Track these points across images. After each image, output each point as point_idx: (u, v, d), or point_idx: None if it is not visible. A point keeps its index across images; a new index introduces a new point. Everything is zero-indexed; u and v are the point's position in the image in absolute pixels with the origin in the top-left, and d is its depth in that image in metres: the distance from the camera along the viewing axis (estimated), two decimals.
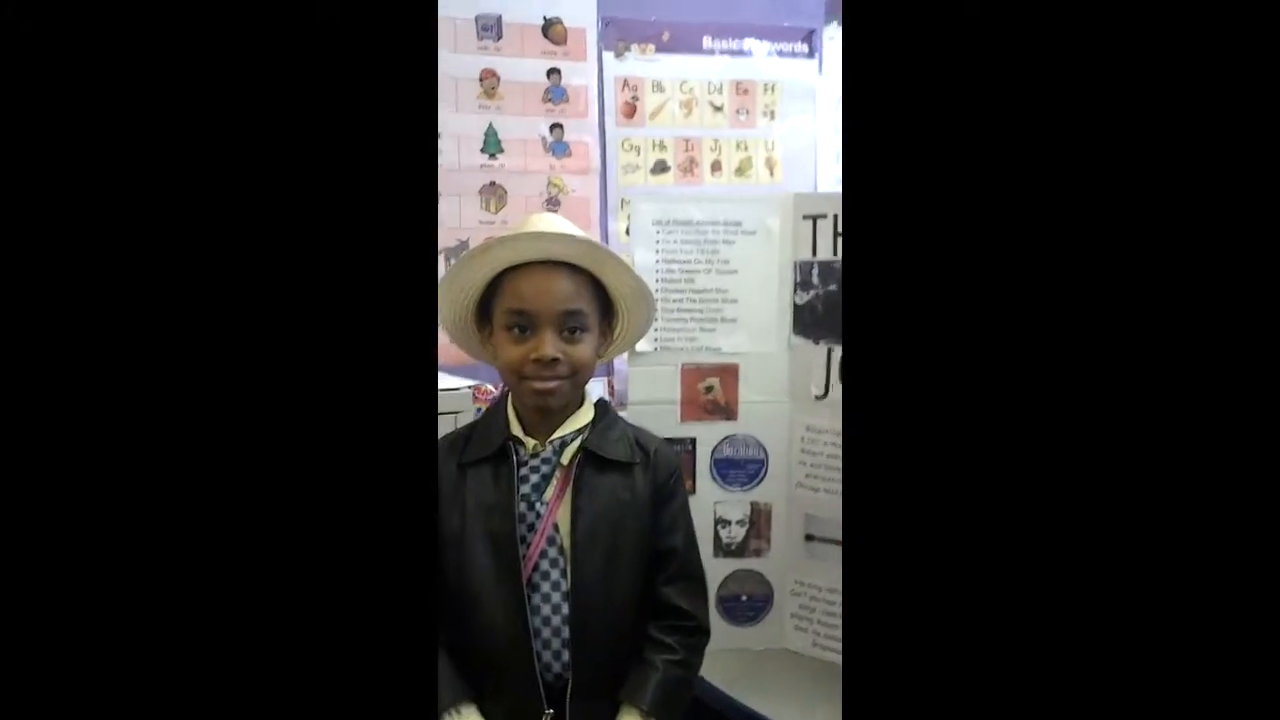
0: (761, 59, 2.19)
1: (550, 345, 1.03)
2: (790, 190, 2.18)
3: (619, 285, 1.11)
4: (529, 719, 1.06)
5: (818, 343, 1.41)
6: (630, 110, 2.13)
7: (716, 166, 2.20)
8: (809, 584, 1.45)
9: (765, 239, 1.43)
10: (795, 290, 1.42)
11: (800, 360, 1.43)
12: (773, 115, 2.22)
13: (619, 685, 1.10)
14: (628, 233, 2.15)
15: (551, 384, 1.05)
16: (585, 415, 1.13)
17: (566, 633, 1.06)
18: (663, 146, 2.16)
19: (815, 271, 1.40)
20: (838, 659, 1.41)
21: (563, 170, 2.09)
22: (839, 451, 1.39)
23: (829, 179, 2.25)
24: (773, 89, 2.20)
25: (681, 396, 1.45)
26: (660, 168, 2.16)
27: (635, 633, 1.13)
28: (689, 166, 2.18)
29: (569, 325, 1.05)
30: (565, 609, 1.06)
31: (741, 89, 2.19)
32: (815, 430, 1.42)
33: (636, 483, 1.11)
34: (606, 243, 2.13)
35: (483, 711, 1.07)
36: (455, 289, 1.08)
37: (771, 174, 2.23)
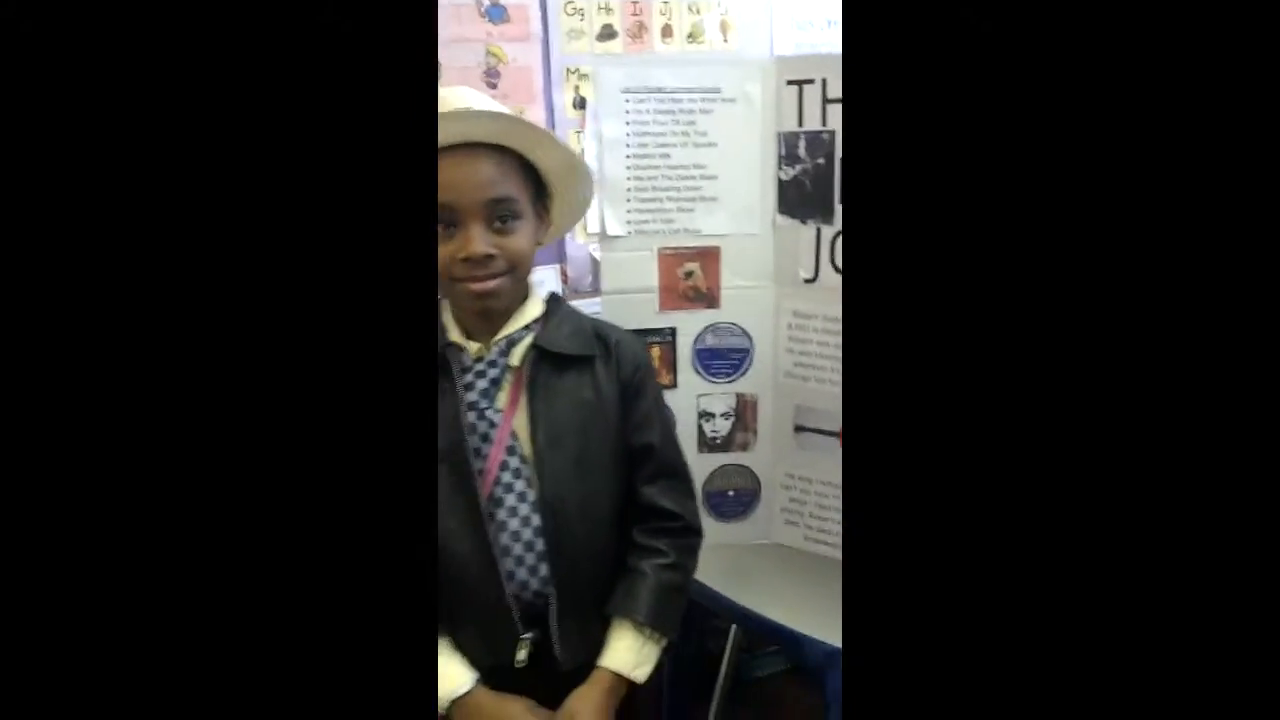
0: None
1: (480, 240, 0.91)
2: (746, 55, 2.06)
3: (549, 162, 0.98)
4: (505, 644, 0.98)
5: (805, 222, 1.30)
6: None
7: (667, 31, 2.03)
8: (799, 476, 1.39)
9: (746, 107, 1.30)
10: (780, 165, 1.31)
11: (786, 241, 1.32)
12: None
13: (606, 598, 1.02)
14: (575, 105, 1.99)
15: (489, 283, 0.93)
16: (533, 309, 1.01)
17: (540, 546, 0.97)
18: (609, 10, 1.98)
19: (802, 143, 1.28)
20: (831, 552, 1.36)
21: (500, 38, 1.90)
22: (829, 338, 1.31)
23: (786, 44, 2.11)
24: None
25: (659, 283, 1.33)
26: (607, 33, 1.99)
27: (619, 540, 1.05)
28: (637, 31, 2.01)
29: (499, 214, 0.92)
30: (536, 520, 0.96)
31: None
32: (803, 316, 1.33)
33: (599, 378, 1.01)
34: (552, 117, 1.97)
35: (455, 642, 0.99)
36: None
37: (725, 39, 2.07)
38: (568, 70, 1.97)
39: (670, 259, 1.33)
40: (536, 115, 1.94)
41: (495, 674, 0.98)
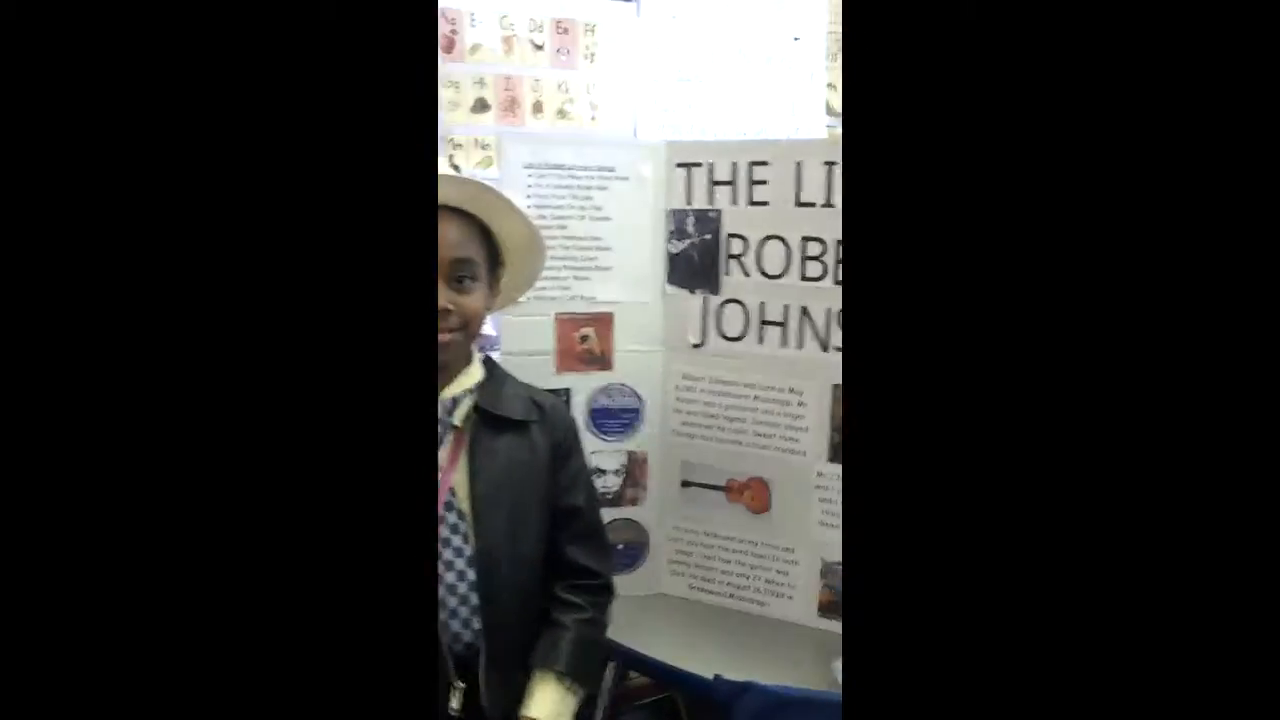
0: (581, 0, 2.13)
1: (441, 296, 0.97)
2: (611, 133, 2.18)
3: (510, 232, 1.05)
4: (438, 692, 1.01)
5: (694, 291, 1.41)
6: (449, 45, 2.01)
7: (538, 107, 2.13)
8: (685, 529, 1.48)
9: (638, 185, 1.40)
10: (669, 239, 1.41)
11: (675, 309, 1.43)
12: (592, 58, 2.17)
13: (529, 650, 1.07)
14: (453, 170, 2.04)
15: (444, 336, 0.98)
16: (475, 372, 1.07)
17: (474, 600, 1.01)
18: (483, 84, 2.06)
19: (690, 220, 1.39)
20: (716, 599, 1.45)
21: None
22: (715, 399, 1.42)
23: (648, 125, 2.25)
24: (593, 30, 2.15)
25: (556, 346, 1.40)
26: (481, 106, 2.06)
27: (541, 595, 1.10)
28: (510, 105, 2.10)
29: (459, 274, 0.99)
30: (470, 575, 1.01)
31: (562, 28, 2.12)
32: (691, 378, 1.44)
33: (535, 441, 1.08)
34: None
35: None
36: None
37: (593, 117, 2.19)
38: (445, 139, 2.02)
39: (567, 323, 1.40)
40: None
41: None
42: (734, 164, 1.35)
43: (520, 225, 1.03)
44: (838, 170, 1.27)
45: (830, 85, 2.54)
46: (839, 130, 2.46)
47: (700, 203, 1.39)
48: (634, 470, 1.47)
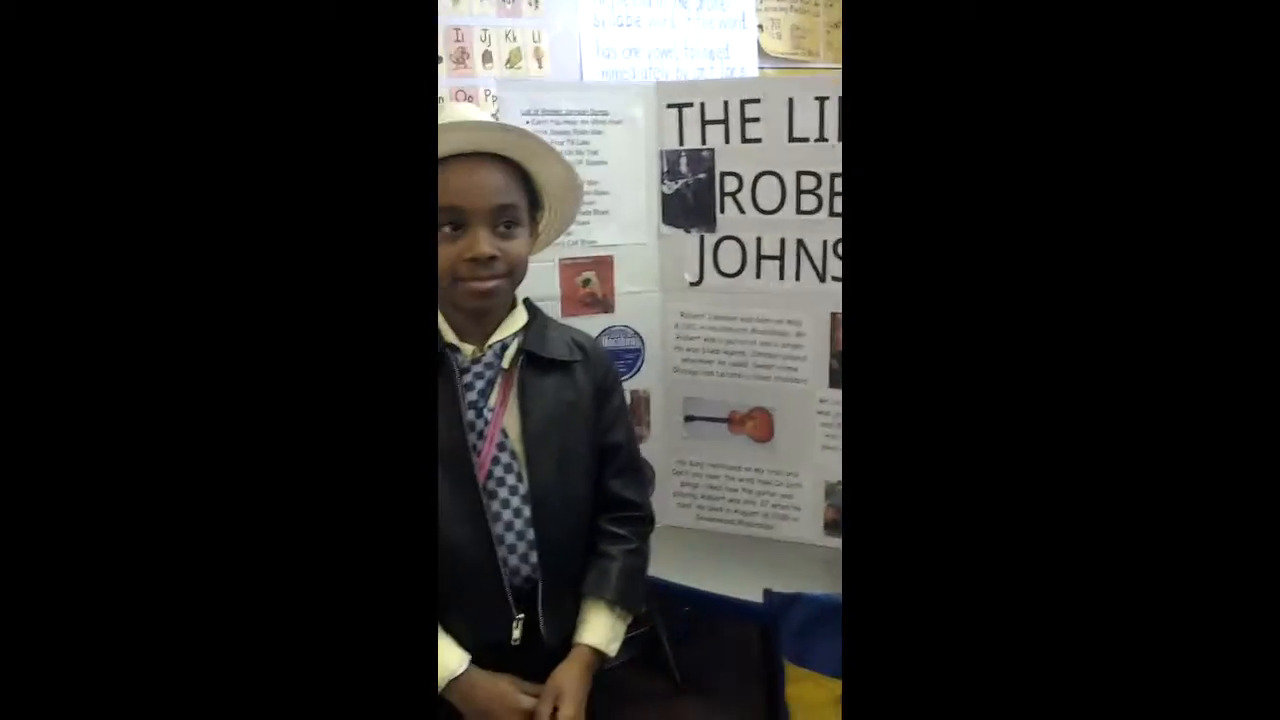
0: None
1: (486, 242, 0.98)
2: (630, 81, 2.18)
3: (549, 176, 1.07)
4: (497, 624, 1.04)
5: (689, 231, 1.45)
6: None
7: (487, 57, 2.11)
8: (690, 462, 1.53)
9: (631, 128, 1.42)
10: (662, 180, 1.44)
11: (671, 249, 1.46)
12: (537, 5, 2.16)
13: (580, 580, 1.11)
14: None
15: (490, 283, 1.00)
16: (520, 317, 1.09)
17: (531, 535, 1.04)
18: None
19: (683, 160, 1.42)
20: (724, 527, 1.51)
21: None
22: (714, 334, 1.47)
23: (593, 70, 2.25)
24: None
25: (561, 292, 1.42)
26: None
27: (589, 528, 1.14)
28: (460, 57, 2.07)
29: (504, 220, 1.00)
30: (526, 512, 1.04)
31: None
32: (690, 315, 1.48)
33: (578, 381, 1.11)
34: None
35: (446, 626, 1.03)
36: None
37: (540, 65, 2.18)
38: None
39: (570, 268, 1.42)
40: None
41: (488, 653, 1.03)
42: (725, 103, 1.38)
43: (559, 168, 1.05)
44: (830, 105, 1.32)
45: (760, 27, 2.59)
46: (771, 72, 2.52)
47: (693, 143, 1.41)
48: (637, 409, 1.50)
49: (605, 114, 1.40)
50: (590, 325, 1.44)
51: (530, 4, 2.17)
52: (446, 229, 0.96)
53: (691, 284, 1.46)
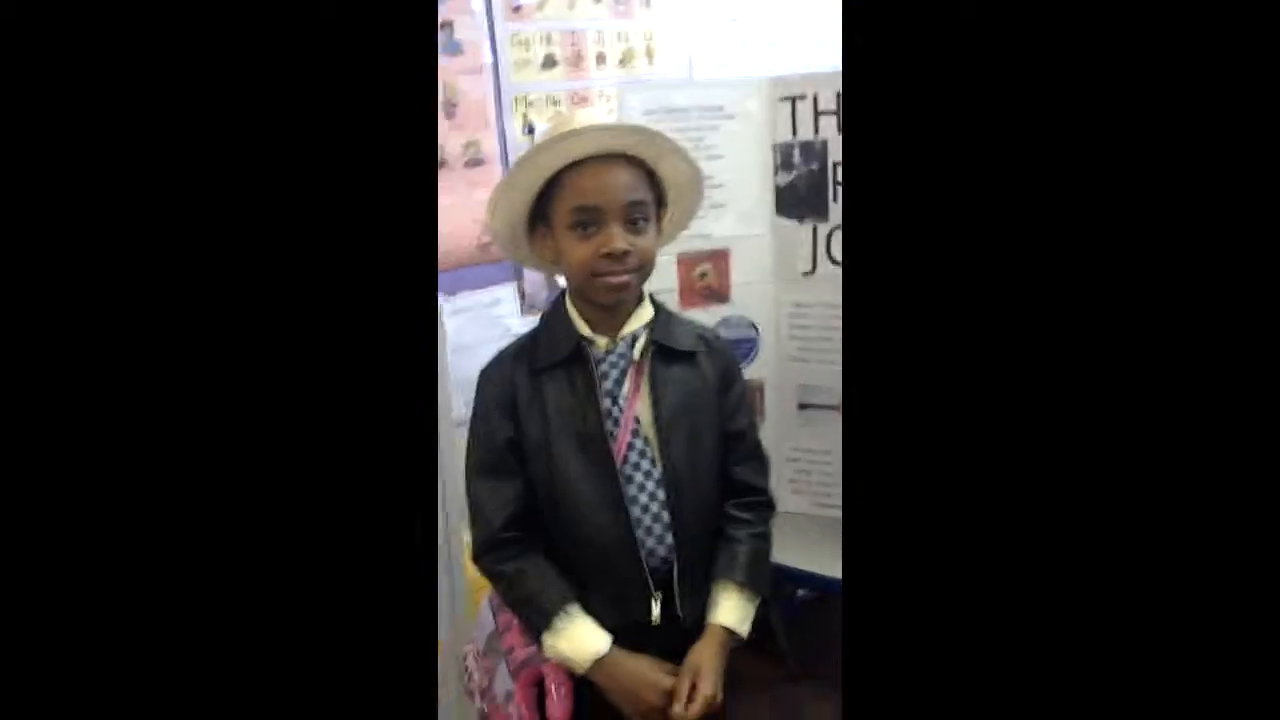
0: None
1: (620, 238, 1.02)
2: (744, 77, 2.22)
3: (674, 173, 1.11)
4: (636, 604, 1.09)
5: (802, 221, 1.47)
6: (517, 6, 2.04)
7: (601, 59, 2.17)
8: (804, 449, 1.56)
9: (745, 122, 1.46)
10: (776, 172, 1.47)
11: (785, 240, 1.49)
12: (649, 4, 2.21)
13: (710, 562, 1.15)
14: (525, 131, 2.09)
15: (624, 277, 1.05)
16: (648, 310, 1.14)
17: (666, 518, 1.08)
18: (550, 40, 2.10)
19: (796, 152, 1.45)
20: (835, 513, 1.53)
21: (454, 71, 1.98)
22: (828, 324, 1.49)
23: (703, 67, 2.30)
24: None
25: (679, 285, 1.47)
26: (549, 62, 2.10)
27: (717, 512, 1.18)
28: (576, 60, 2.14)
29: (633, 216, 1.05)
30: (661, 495, 1.08)
31: None
32: (803, 306, 1.51)
33: (704, 370, 1.15)
34: (505, 143, 2.06)
35: (587, 608, 1.09)
36: (513, 193, 1.04)
37: (650, 63, 2.23)
38: (515, 99, 2.07)
39: (687, 262, 1.47)
40: (491, 143, 2.03)
41: (627, 633, 1.08)
42: (837, 93, 1.41)
43: (684, 165, 1.09)
44: None
45: None
46: None
47: (805, 134, 1.44)
48: (751, 397, 1.54)
49: (720, 109, 1.44)
50: (707, 317, 1.49)
51: (642, 4, 2.22)
52: (580, 227, 1.02)
53: (804, 274, 1.49)
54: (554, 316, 1.13)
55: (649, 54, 2.24)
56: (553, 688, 1.05)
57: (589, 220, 1.02)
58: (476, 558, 1.09)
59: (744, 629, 1.13)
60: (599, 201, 1.01)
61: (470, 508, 1.08)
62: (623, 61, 2.21)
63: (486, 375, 1.11)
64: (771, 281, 1.51)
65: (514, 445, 1.07)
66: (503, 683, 1.12)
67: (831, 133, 1.42)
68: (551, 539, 1.07)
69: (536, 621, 1.04)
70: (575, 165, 1.01)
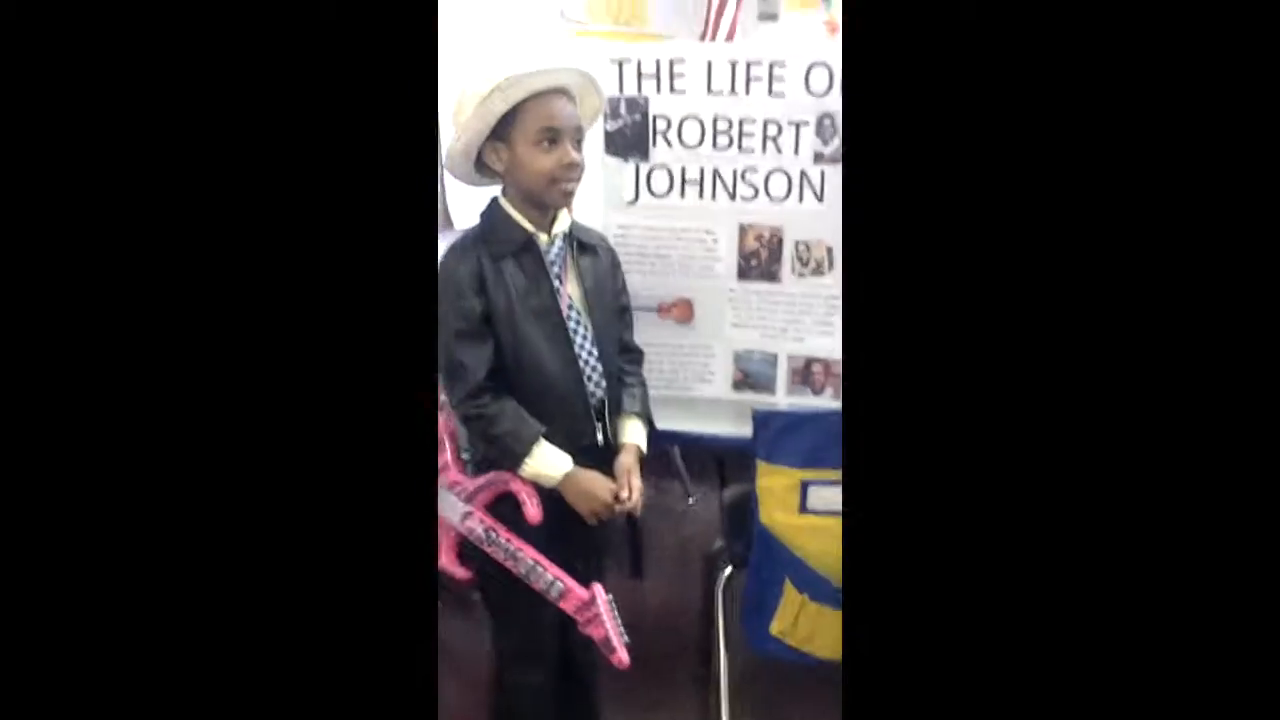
0: None
1: (574, 153, 1.38)
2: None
3: (588, 106, 1.47)
4: (586, 434, 1.48)
5: (627, 160, 1.86)
6: None
7: None
8: None
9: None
10: (605, 120, 1.84)
11: (613, 175, 1.87)
12: None
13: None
14: None
15: (574, 185, 1.40)
16: (565, 214, 1.49)
17: (601, 368, 1.47)
18: None
19: (623, 105, 1.84)
20: (654, 391, 1.95)
21: None
22: (646, 242, 1.90)
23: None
24: None
25: None
26: None
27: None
28: None
29: (578, 138, 1.40)
30: (595, 351, 1.47)
31: None
32: (625, 227, 1.89)
33: (603, 260, 1.54)
34: None
35: (550, 439, 1.43)
36: (488, 117, 1.34)
37: None
38: None
39: None
40: None
41: (577, 455, 1.43)
42: (657, 61, 1.81)
43: (596, 100, 1.45)
44: (739, 67, 1.78)
45: None
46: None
47: (630, 91, 1.83)
48: None
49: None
50: None
51: None
52: (545, 144, 1.34)
53: (629, 202, 1.88)
54: (495, 216, 1.44)
55: None
56: (526, 497, 1.36)
57: (553, 138, 1.35)
58: (459, 404, 1.37)
59: (644, 446, 1.54)
60: (561, 124, 1.35)
61: (450, 367, 1.36)
62: None
63: (453, 258, 1.39)
64: (601, 207, 1.88)
65: (485, 316, 1.37)
66: (451, 510, 1.40)
67: (651, 92, 1.82)
68: (513, 389, 1.39)
69: (517, 449, 1.36)
70: (538, 96, 1.33)
